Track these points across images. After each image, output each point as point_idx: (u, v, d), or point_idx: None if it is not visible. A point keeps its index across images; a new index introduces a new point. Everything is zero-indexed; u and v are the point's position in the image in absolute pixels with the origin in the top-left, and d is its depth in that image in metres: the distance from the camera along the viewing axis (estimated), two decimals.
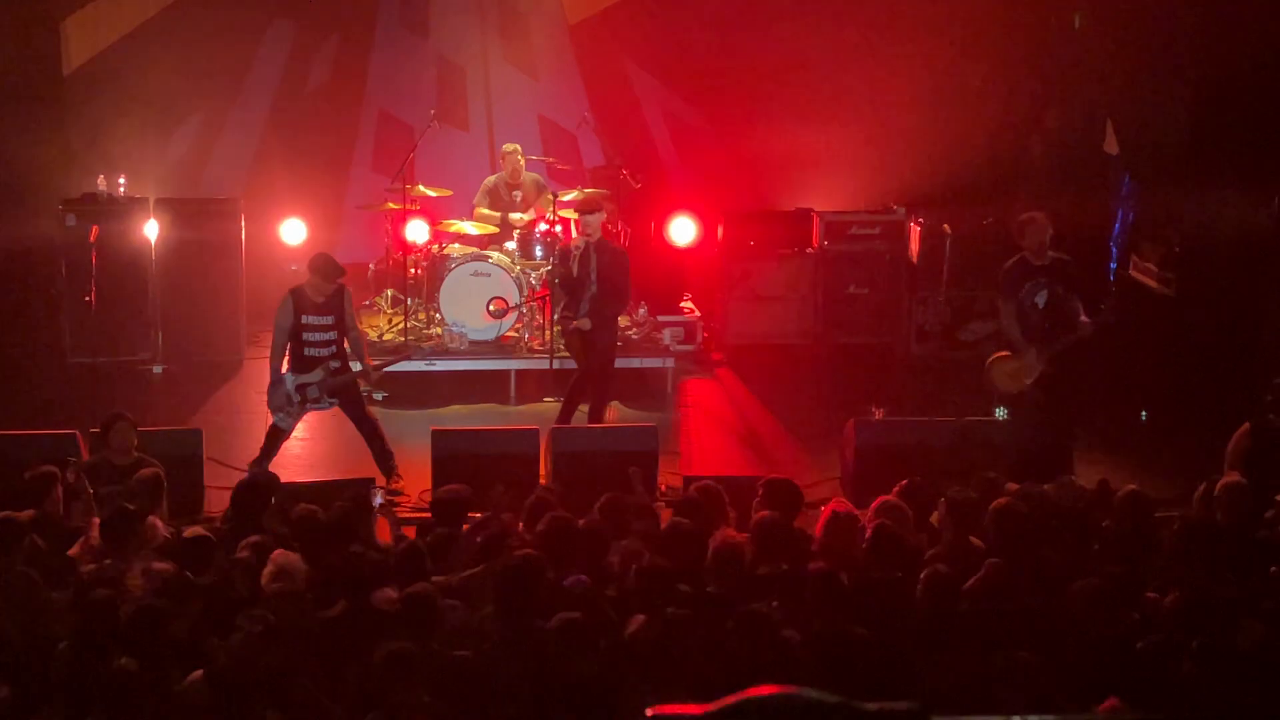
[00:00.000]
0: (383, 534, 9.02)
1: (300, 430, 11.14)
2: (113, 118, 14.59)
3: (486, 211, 14.03)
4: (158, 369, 13.57)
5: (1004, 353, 10.85)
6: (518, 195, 14.09)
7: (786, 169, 15.15)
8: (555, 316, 12.64)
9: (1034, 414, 10.67)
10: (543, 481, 10.04)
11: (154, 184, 14.38)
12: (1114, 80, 14.22)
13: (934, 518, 8.41)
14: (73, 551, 8.14)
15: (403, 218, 13.69)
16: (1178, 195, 13.00)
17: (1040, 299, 10.65)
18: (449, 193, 14.23)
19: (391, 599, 7.15)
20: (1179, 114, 13.03)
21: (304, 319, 10.61)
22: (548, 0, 15.96)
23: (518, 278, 13.14)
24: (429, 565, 7.62)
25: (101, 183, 13.67)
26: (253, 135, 15.70)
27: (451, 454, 10.27)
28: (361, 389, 11.08)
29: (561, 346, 12.39)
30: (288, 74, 15.80)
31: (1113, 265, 14.67)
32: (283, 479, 9.65)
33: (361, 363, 10.87)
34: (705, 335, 14.44)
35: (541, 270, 13.29)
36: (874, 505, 8.35)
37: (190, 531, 8.14)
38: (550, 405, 12.49)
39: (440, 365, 13.07)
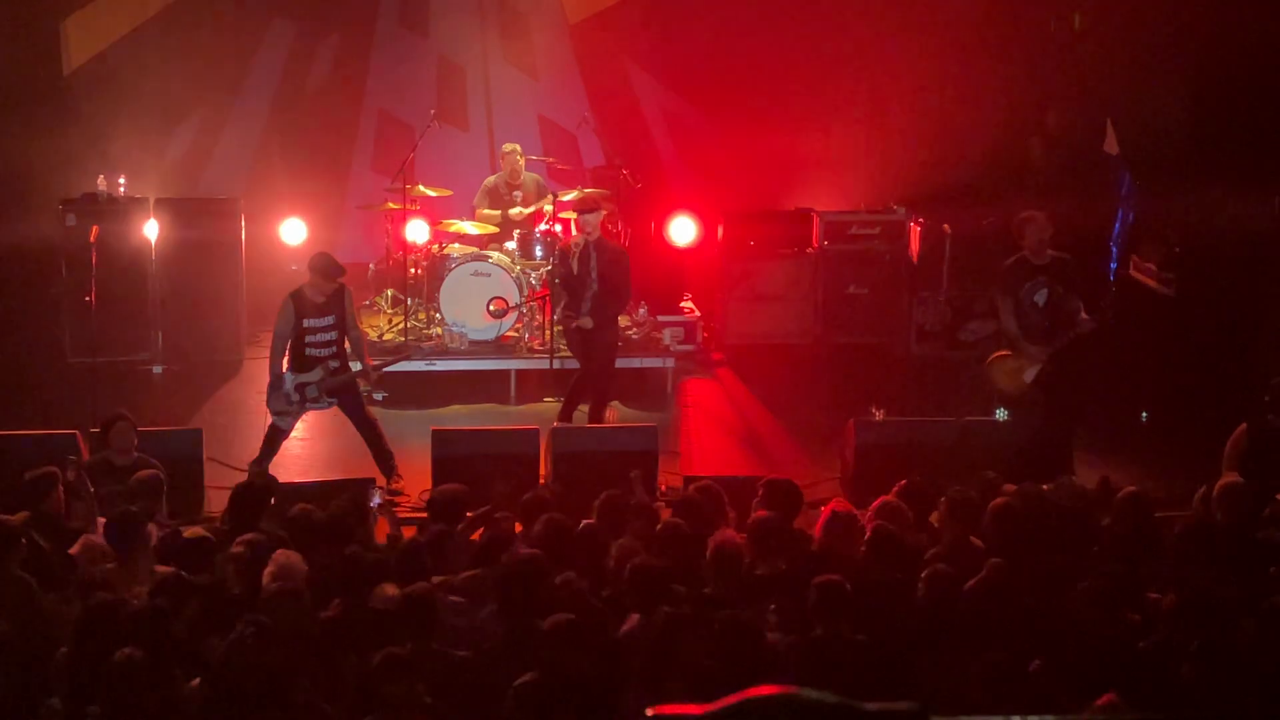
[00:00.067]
0: (382, 534, 9.01)
1: (300, 430, 11.14)
2: (113, 118, 14.59)
3: (487, 211, 14.03)
4: (158, 369, 13.58)
5: (1004, 352, 10.86)
6: (518, 195, 14.10)
7: (786, 169, 15.15)
8: (555, 316, 12.65)
9: (1034, 414, 10.67)
10: (543, 481, 10.04)
11: (154, 184, 14.38)
12: (1114, 80, 14.22)
13: (934, 517, 8.41)
14: (74, 550, 8.14)
15: (403, 218, 13.69)
16: (1178, 195, 13.00)
17: (1040, 298, 10.65)
18: (449, 193, 14.23)
19: (390, 598, 7.15)
20: (1179, 114, 13.03)
21: (305, 321, 10.60)
22: (548, 0, 15.97)
23: (518, 278, 13.14)
24: (429, 564, 7.62)
25: (101, 183, 13.67)
26: (253, 135, 15.71)
27: (451, 454, 10.27)
28: (361, 389, 11.08)
29: (562, 346, 12.40)
30: (288, 74, 15.80)
31: (1113, 265, 14.67)
32: (282, 479, 9.67)
33: (362, 362, 10.87)
34: (705, 335, 14.44)
35: (541, 270, 13.29)
36: (874, 506, 8.35)
37: (190, 532, 8.14)
38: (550, 405, 12.49)
39: (440, 365, 13.08)
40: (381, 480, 10.51)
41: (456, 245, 13.69)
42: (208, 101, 15.50)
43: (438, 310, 13.35)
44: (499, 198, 14.13)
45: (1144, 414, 12.44)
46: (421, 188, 13.83)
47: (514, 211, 13.91)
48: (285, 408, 10.63)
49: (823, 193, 15.05)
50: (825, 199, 14.92)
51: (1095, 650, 6.74)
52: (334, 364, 10.68)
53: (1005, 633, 6.94)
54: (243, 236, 13.93)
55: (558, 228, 13.44)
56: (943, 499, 8.28)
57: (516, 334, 13.39)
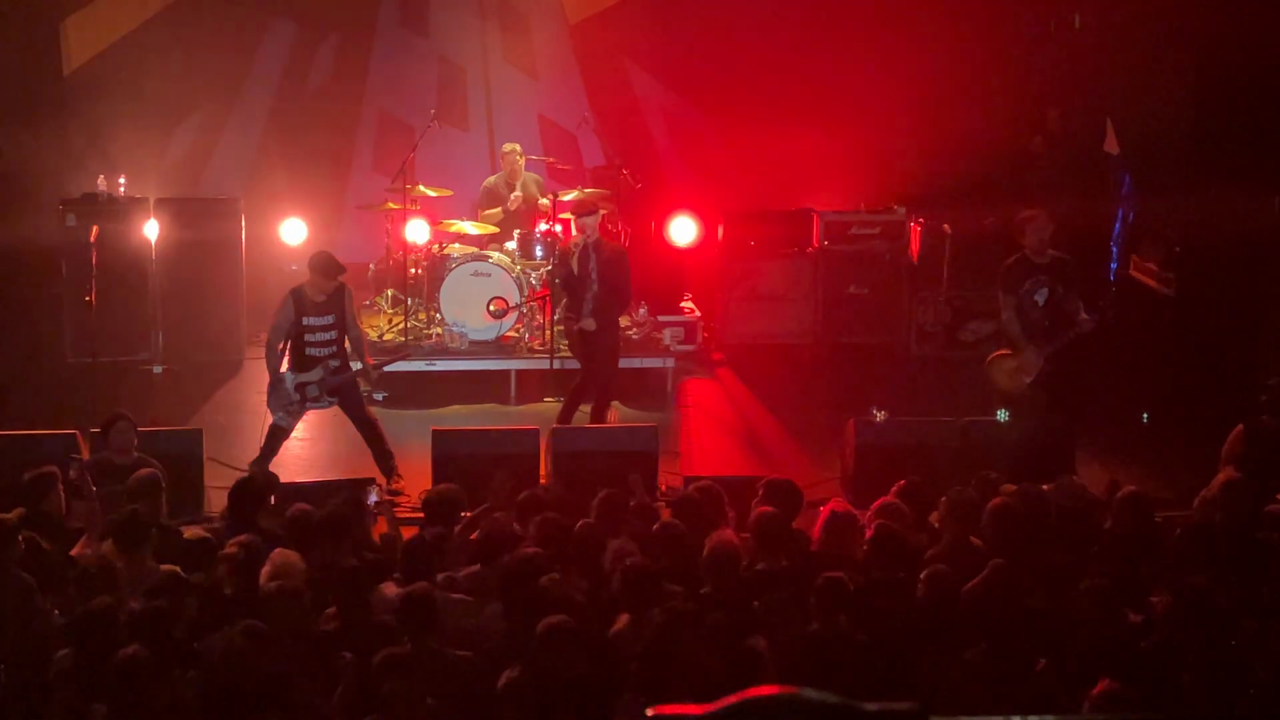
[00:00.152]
0: (381, 531, 9.00)
1: (300, 430, 11.14)
2: (113, 118, 14.58)
3: (489, 211, 14.03)
4: (158, 369, 13.57)
5: (1004, 351, 10.86)
6: (517, 196, 14.10)
7: (786, 169, 15.14)
8: (556, 316, 12.65)
9: (1034, 414, 10.67)
10: (543, 482, 10.04)
11: (154, 184, 14.38)
12: (1114, 80, 14.23)
13: (933, 517, 8.41)
14: (75, 552, 8.14)
15: (403, 218, 13.70)
16: (1178, 195, 13.00)
17: (1040, 297, 10.66)
18: (449, 193, 14.23)
19: (391, 599, 7.14)
20: (1179, 114, 13.04)
21: (305, 320, 10.61)
22: (547, 0, 15.97)
23: (518, 278, 13.14)
24: (434, 563, 7.62)
25: (101, 183, 13.67)
26: (253, 135, 15.71)
27: (451, 454, 10.27)
28: (362, 389, 11.08)
29: (562, 346, 12.40)
30: (288, 74, 15.80)
31: (1113, 265, 14.68)
32: (283, 479, 9.66)
33: (362, 362, 10.87)
34: (705, 335, 14.44)
35: (541, 270, 13.29)
36: (874, 506, 8.35)
37: (190, 533, 8.13)
38: (550, 405, 12.49)
39: (440, 365, 13.08)
40: (382, 480, 10.52)
41: (456, 245, 13.69)
42: (208, 101, 15.50)
43: (438, 310, 13.35)
44: (499, 198, 14.13)
45: (1145, 415, 12.43)
46: (422, 188, 13.82)
47: (514, 196, 13.93)
48: (286, 407, 10.63)
49: (823, 193, 15.03)
50: (825, 199, 14.91)
51: (1095, 650, 6.74)
52: (334, 363, 10.68)
53: (1005, 633, 6.94)
54: (243, 236, 13.93)
55: (558, 228, 13.44)
56: (942, 499, 8.28)
57: (516, 334, 13.39)
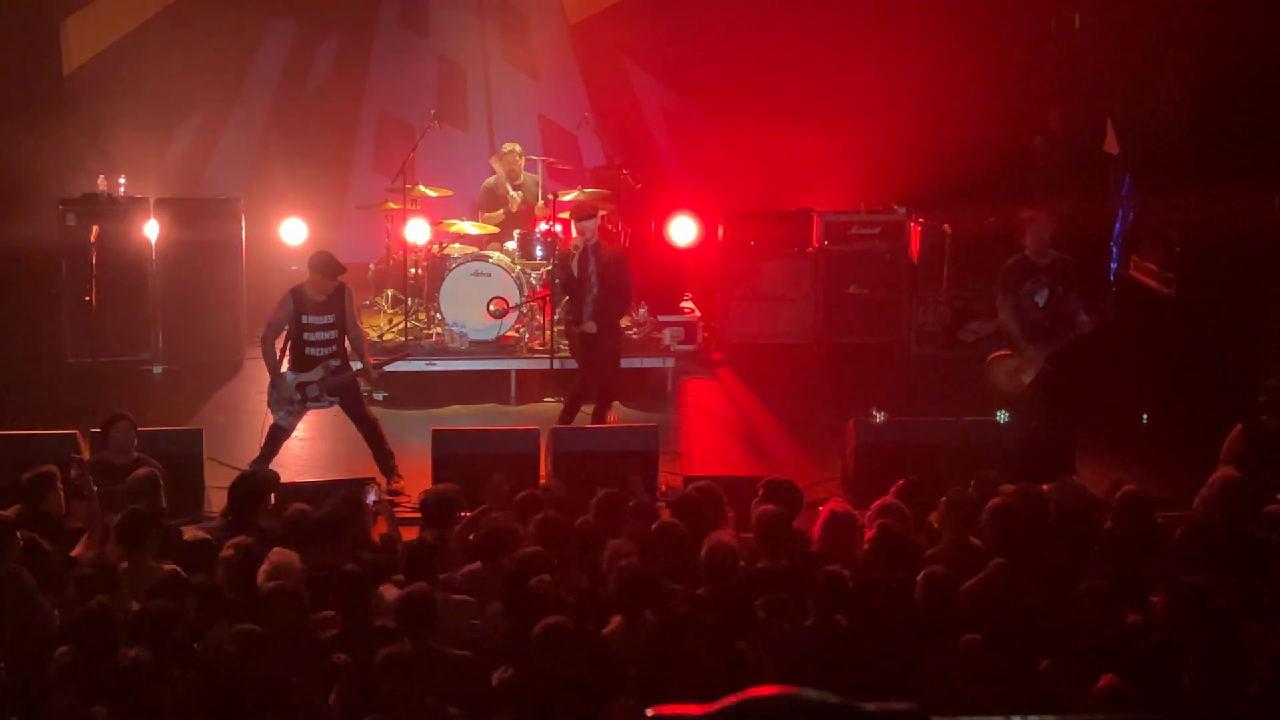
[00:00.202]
0: (381, 533, 9.00)
1: (301, 430, 11.14)
2: (113, 118, 14.59)
3: (490, 215, 14.02)
4: (158, 369, 13.57)
5: (1004, 351, 10.86)
6: (518, 196, 14.10)
7: (786, 169, 15.14)
8: (556, 316, 12.66)
9: (1034, 414, 10.67)
10: (543, 482, 10.05)
11: (154, 184, 14.38)
12: (1114, 80, 14.22)
13: (933, 517, 8.41)
14: (76, 552, 8.14)
15: (403, 218, 13.69)
16: (1178, 195, 12.99)
17: (1040, 298, 10.66)
18: (449, 193, 14.23)
19: (390, 601, 7.14)
20: (1179, 114, 13.03)
21: (304, 319, 10.61)
22: (547, 0, 15.96)
23: (518, 277, 13.14)
24: (436, 565, 7.61)
25: (102, 183, 13.67)
26: (253, 135, 15.71)
27: (451, 454, 10.27)
28: (362, 389, 11.09)
29: (563, 346, 12.40)
30: (288, 74, 15.81)
31: (1113, 265, 14.68)
32: (283, 479, 9.66)
33: (362, 362, 10.88)
34: (705, 335, 14.44)
35: (541, 270, 13.29)
36: (874, 506, 8.35)
37: (191, 534, 8.13)
38: (550, 405, 12.49)
39: (440, 365, 13.08)
40: (382, 480, 10.52)
41: (456, 245, 13.69)
42: (208, 101, 15.50)
43: (438, 310, 13.35)
44: (499, 199, 14.13)
45: (1144, 415, 12.43)
46: (422, 188, 13.82)
47: (514, 194, 13.92)
48: (287, 407, 10.63)
49: (823, 193, 15.03)
50: (825, 199, 14.91)
51: (1095, 650, 6.74)
52: (335, 363, 10.69)
53: (1005, 632, 6.94)
54: (243, 236, 13.93)
55: (558, 228, 13.44)
56: (942, 499, 8.28)
57: (517, 334, 13.39)
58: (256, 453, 10.69)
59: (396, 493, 10.56)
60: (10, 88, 14.31)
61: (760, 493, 8.50)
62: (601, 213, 12.59)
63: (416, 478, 10.58)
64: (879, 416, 10.68)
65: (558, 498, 8.77)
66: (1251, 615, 7.15)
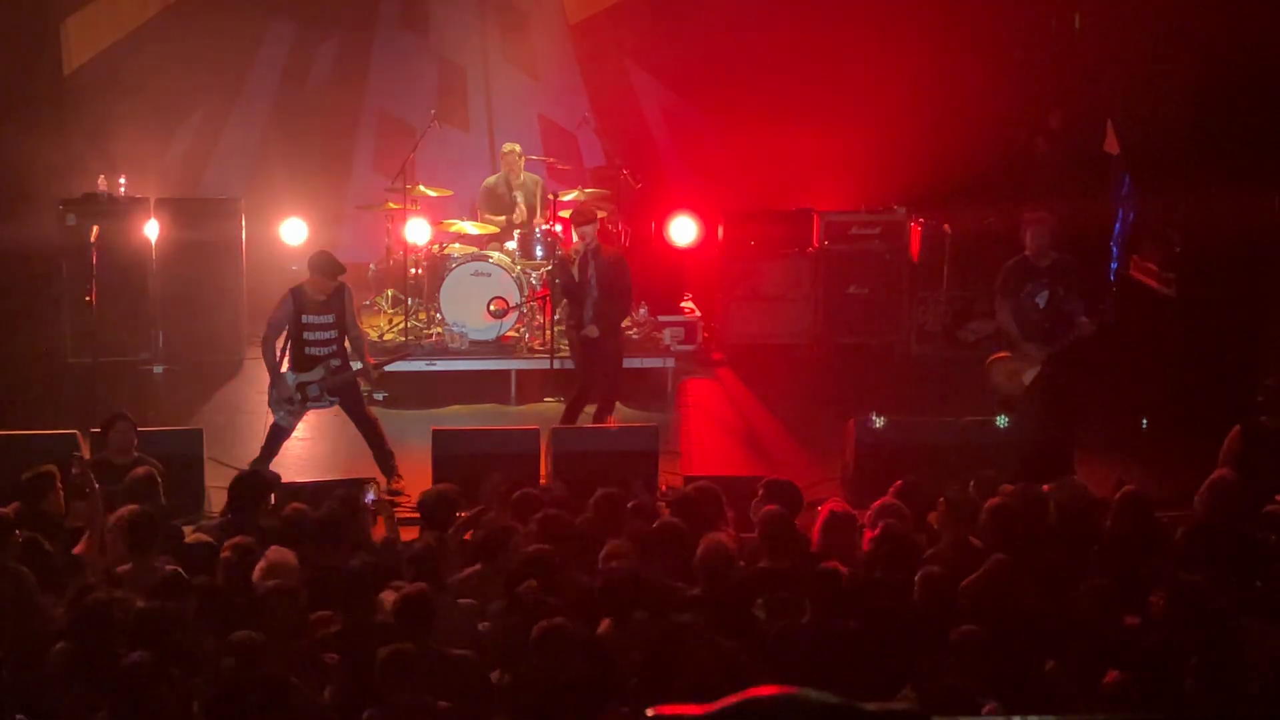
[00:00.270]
0: (381, 533, 8.99)
1: (301, 430, 11.14)
2: (113, 117, 14.58)
3: (491, 217, 14.01)
4: (158, 369, 13.58)
5: (1004, 353, 10.86)
6: (517, 196, 14.09)
7: (787, 169, 15.14)
8: (556, 316, 12.66)
9: (1034, 414, 10.67)
10: (543, 482, 10.05)
11: (154, 184, 14.38)
12: (1114, 80, 14.22)
13: (932, 517, 8.41)
14: (78, 549, 8.15)
15: (403, 218, 13.69)
16: (1178, 195, 12.99)
17: (1040, 299, 10.66)
18: (449, 193, 14.23)
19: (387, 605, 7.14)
20: (1179, 114, 13.02)
21: (304, 318, 10.62)
22: (547, 0, 15.96)
23: (518, 277, 13.14)
24: (441, 569, 7.58)
25: (102, 183, 13.68)
26: (253, 135, 15.71)
27: (451, 454, 10.28)
28: (362, 388, 11.09)
29: (563, 346, 12.41)
30: (288, 74, 15.80)
31: (1113, 265, 14.68)
32: (283, 479, 9.66)
33: (362, 361, 10.88)
34: (705, 335, 14.44)
35: (542, 270, 13.29)
36: (874, 506, 8.35)
37: (193, 538, 8.13)
38: (550, 405, 12.50)
39: (440, 365, 13.08)
40: (382, 480, 10.52)
41: (457, 245, 13.69)
42: (208, 101, 15.51)
43: (438, 310, 13.35)
44: (499, 198, 14.12)
45: (1144, 421, 12.42)
46: (422, 188, 13.82)
47: (518, 210, 13.92)
48: (287, 407, 10.63)
49: (823, 193, 15.04)
50: (825, 199, 14.91)
51: (1095, 650, 6.74)
52: (335, 363, 10.69)
53: (1004, 630, 6.93)
54: (243, 236, 13.93)
55: (558, 228, 13.44)
56: (941, 499, 8.28)
57: (517, 334, 13.39)
58: (256, 453, 10.69)
59: (397, 493, 10.56)
60: (10, 88, 14.31)
61: (760, 493, 8.51)
62: (601, 214, 12.61)
63: (416, 478, 10.59)
64: (878, 421, 10.66)
65: (556, 497, 8.77)
66: (1251, 615, 7.15)
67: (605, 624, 6.96)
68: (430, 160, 14.64)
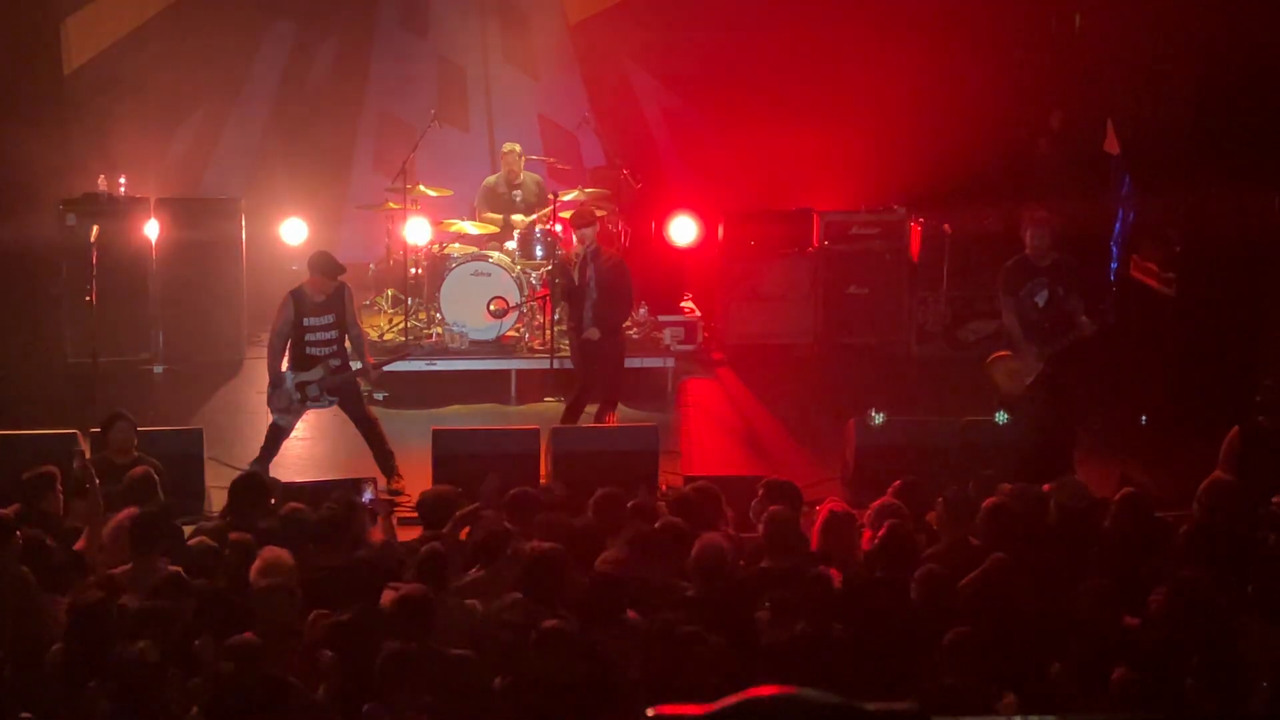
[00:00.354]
0: (377, 533, 8.99)
1: (301, 430, 11.15)
2: (113, 117, 14.58)
3: (490, 215, 14.02)
4: (158, 369, 13.58)
5: (1004, 352, 10.85)
6: (518, 195, 14.08)
7: (786, 169, 15.14)
8: (556, 316, 12.66)
9: (1034, 414, 10.67)
10: (543, 482, 10.05)
11: (155, 184, 14.37)
12: (1114, 80, 14.22)
13: (931, 517, 8.41)
14: (79, 546, 8.15)
15: (403, 218, 13.69)
16: (1178, 195, 12.99)
17: (1040, 298, 10.66)
18: (449, 192, 14.23)
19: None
20: (1179, 114, 13.03)
21: (305, 320, 10.62)
22: (548, 0, 15.96)
23: (518, 277, 13.14)
24: (449, 572, 7.57)
25: (102, 182, 13.67)
26: (253, 135, 15.71)
27: (451, 454, 10.28)
28: (362, 388, 11.08)
29: (563, 346, 12.41)
30: (288, 74, 15.80)
31: (1113, 265, 14.67)
32: (283, 479, 9.67)
33: (362, 361, 10.88)
34: (705, 335, 14.45)
35: (542, 270, 13.29)
36: (873, 506, 8.35)
37: (194, 540, 8.13)
38: (550, 405, 12.50)
39: (440, 365, 13.08)
40: (382, 480, 10.52)
41: (457, 245, 13.69)
42: (208, 101, 15.51)
43: (438, 310, 13.35)
44: (498, 198, 14.12)
45: (1143, 418, 12.43)
46: (422, 188, 13.82)
47: (516, 218, 13.92)
48: (286, 407, 10.63)
49: (823, 193, 15.03)
50: (825, 199, 14.91)
51: (1095, 650, 6.74)
52: (335, 363, 10.69)
53: (1003, 630, 6.94)
54: (243, 236, 13.94)
55: (558, 227, 13.43)
56: (940, 499, 8.28)
57: (517, 334, 13.39)
58: (256, 453, 10.69)
59: (397, 492, 10.57)
60: (10, 88, 14.30)
61: (760, 493, 8.51)
62: (601, 213, 12.61)
63: (416, 478, 10.59)
64: (878, 420, 10.66)
65: (554, 497, 8.77)
66: (1252, 615, 7.15)
67: (602, 625, 6.96)
68: (430, 160, 14.64)
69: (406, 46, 15.96)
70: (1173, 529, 8.25)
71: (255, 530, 8.13)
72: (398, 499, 10.45)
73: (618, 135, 15.26)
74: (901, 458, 10.16)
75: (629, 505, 8.35)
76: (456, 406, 12.81)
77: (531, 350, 13.24)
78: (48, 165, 13.81)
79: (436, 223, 13.88)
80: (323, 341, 10.65)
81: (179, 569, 7.49)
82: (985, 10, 14.94)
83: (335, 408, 10.89)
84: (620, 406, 11.94)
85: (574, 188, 14.16)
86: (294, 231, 14.64)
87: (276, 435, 10.71)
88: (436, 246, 13.73)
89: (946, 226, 14.36)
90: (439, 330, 13.41)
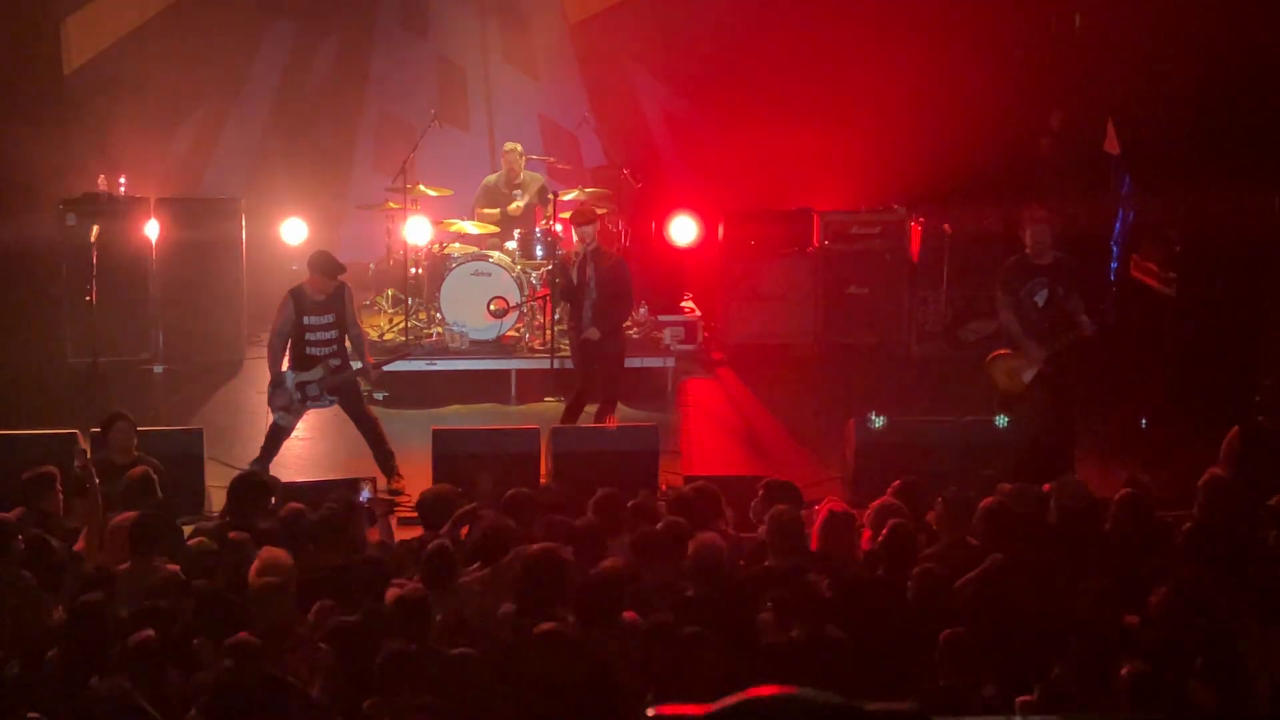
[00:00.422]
0: (374, 534, 8.99)
1: (301, 430, 11.15)
2: (114, 117, 14.59)
3: (487, 210, 14.02)
4: (158, 369, 13.58)
5: (1004, 351, 10.85)
6: (518, 194, 14.09)
7: (787, 168, 15.14)
8: (556, 316, 12.66)
9: (1034, 414, 10.67)
10: (543, 481, 10.05)
11: (155, 184, 14.37)
12: (1114, 80, 14.23)
13: (930, 517, 8.40)
14: (78, 546, 8.14)
15: (403, 217, 13.69)
16: (1178, 195, 13.00)
17: (1040, 298, 10.65)
18: (449, 192, 14.23)
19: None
20: (1179, 114, 13.03)
21: (305, 319, 10.62)
22: (548, 0, 15.96)
23: (518, 277, 13.14)
24: (455, 570, 7.56)
25: (102, 182, 13.67)
26: (253, 135, 15.71)
27: (451, 454, 10.27)
28: (362, 388, 11.08)
29: (563, 346, 12.40)
30: (288, 74, 15.81)
31: (1113, 265, 14.68)
32: (283, 479, 9.66)
33: (362, 361, 10.88)
34: (705, 335, 14.45)
35: (542, 270, 13.29)
36: (873, 506, 8.35)
37: (195, 542, 8.14)
38: (550, 405, 12.50)
39: (440, 365, 13.08)
40: (382, 480, 10.52)
41: (457, 245, 13.69)
42: (208, 101, 15.51)
43: (438, 310, 13.35)
44: (498, 197, 14.12)
45: (1143, 421, 12.43)
46: (422, 187, 13.83)
47: (513, 207, 13.92)
48: (287, 406, 10.63)
49: (823, 193, 15.03)
50: (825, 199, 14.91)
51: (1095, 650, 6.73)
52: (335, 362, 10.69)
53: (1001, 630, 6.93)
54: (243, 236, 13.94)
55: (558, 227, 13.44)
56: (940, 499, 8.28)
57: (517, 334, 13.39)
58: (256, 453, 10.69)
59: (397, 492, 10.57)
60: (10, 88, 14.32)
61: (760, 493, 8.51)
62: (601, 211, 12.60)
63: (416, 478, 10.59)
64: (878, 422, 10.65)
65: (552, 497, 8.76)
66: (1252, 615, 7.15)
67: (601, 626, 6.96)
68: (430, 160, 14.63)
69: (406, 46, 15.97)
70: (1173, 529, 8.24)
71: (255, 530, 8.13)
72: (398, 499, 10.45)
73: (618, 135, 15.27)
74: (901, 458, 10.14)
75: (629, 505, 8.35)
76: (456, 406, 12.81)
77: (531, 350, 13.24)
78: (48, 165, 13.83)
79: (437, 222, 13.89)
80: (323, 341, 10.65)
81: (177, 569, 7.50)
82: (985, 10, 14.95)
83: (335, 407, 10.89)
84: (620, 406, 11.95)
85: (574, 187, 14.17)
86: (294, 231, 14.64)
87: (277, 435, 10.71)
88: (436, 246, 13.73)
89: (946, 226, 14.36)
90: (439, 330, 13.41)
